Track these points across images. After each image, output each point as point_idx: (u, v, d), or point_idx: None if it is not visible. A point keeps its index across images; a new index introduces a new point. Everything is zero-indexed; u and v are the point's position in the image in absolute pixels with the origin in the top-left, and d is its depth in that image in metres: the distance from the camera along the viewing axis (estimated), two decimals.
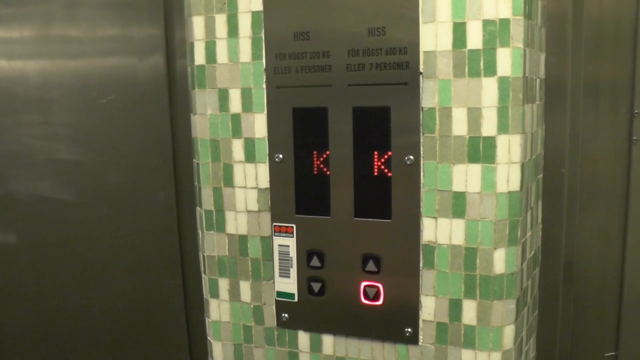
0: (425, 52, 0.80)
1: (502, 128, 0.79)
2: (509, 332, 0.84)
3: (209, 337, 1.01)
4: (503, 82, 0.78)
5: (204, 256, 0.98)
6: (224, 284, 0.97)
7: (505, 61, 0.78)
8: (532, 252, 0.95)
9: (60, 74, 1.12)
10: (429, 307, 0.86)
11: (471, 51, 0.78)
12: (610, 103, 1.00)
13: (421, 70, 0.80)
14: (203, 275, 0.99)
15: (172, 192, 1.14)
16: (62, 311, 1.20)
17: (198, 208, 0.98)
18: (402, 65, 0.81)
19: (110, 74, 1.11)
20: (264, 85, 0.88)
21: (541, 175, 0.98)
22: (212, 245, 0.96)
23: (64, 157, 1.15)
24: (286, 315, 0.93)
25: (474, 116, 0.79)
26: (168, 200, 1.14)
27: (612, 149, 1.01)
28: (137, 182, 1.14)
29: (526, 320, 0.93)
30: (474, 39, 0.78)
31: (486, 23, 0.77)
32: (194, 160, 0.97)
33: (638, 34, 0.96)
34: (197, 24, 0.91)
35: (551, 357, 1.08)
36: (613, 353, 1.09)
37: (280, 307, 0.94)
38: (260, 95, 0.89)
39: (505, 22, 0.77)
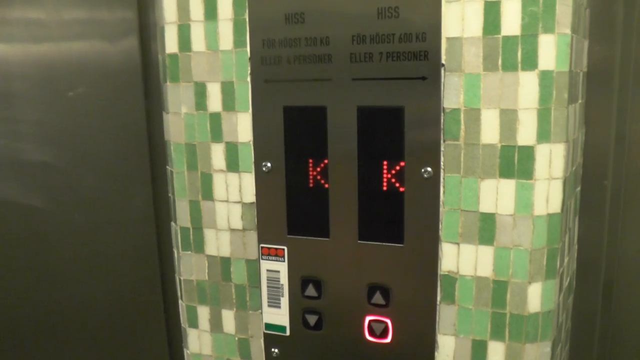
0: (448, 39, 0.68)
1: (543, 135, 0.67)
2: None
3: None
4: (545, 77, 0.65)
5: (180, 280, 0.86)
6: (204, 313, 0.86)
7: (549, 51, 0.65)
8: (568, 280, 0.83)
9: (23, 62, 1.04)
10: (448, 348, 0.76)
11: (506, 38, 0.66)
12: None
13: (443, 61, 0.68)
14: (180, 301, 0.88)
15: (150, 196, 1.04)
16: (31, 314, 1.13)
17: (173, 224, 0.84)
18: (419, 55, 0.68)
19: (79, 63, 1.02)
20: (249, 79, 0.76)
21: (579, 188, 0.85)
22: (189, 268, 0.85)
23: (30, 157, 1.08)
24: (276, 350, 0.83)
25: (509, 120, 0.67)
26: (145, 206, 1.05)
27: None
28: (111, 185, 1.05)
29: (559, 359, 0.81)
30: (511, 23, 0.65)
31: (526, 3, 0.64)
32: (167, 167, 0.83)
33: None
34: (168, 4, 0.78)
35: None
36: None
37: (270, 341, 0.83)
38: (244, 91, 0.77)
39: (550, 2, 0.64)
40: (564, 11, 0.64)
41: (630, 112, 0.87)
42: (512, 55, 0.65)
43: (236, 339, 0.85)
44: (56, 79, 1.02)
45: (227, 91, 0.77)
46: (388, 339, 0.77)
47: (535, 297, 0.71)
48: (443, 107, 0.69)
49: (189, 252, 0.84)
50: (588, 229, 0.89)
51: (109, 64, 1.00)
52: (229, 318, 0.84)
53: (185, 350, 0.90)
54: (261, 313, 0.82)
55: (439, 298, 0.74)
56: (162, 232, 1.04)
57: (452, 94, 0.68)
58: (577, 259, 0.90)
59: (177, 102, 0.80)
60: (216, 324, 0.85)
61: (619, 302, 0.94)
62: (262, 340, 0.83)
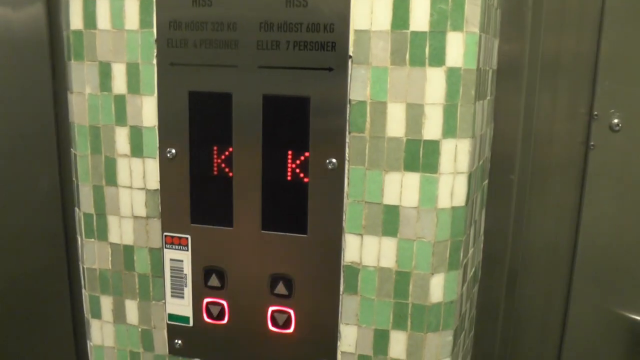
0: (356, 31, 0.66)
1: (449, 131, 0.66)
2: None
3: None
4: (453, 74, 0.65)
5: (83, 268, 0.82)
6: (106, 303, 0.82)
7: (457, 49, 0.64)
8: (473, 270, 0.84)
9: None
10: (350, 338, 0.75)
11: (415, 34, 0.65)
12: (569, 101, 0.88)
13: (351, 53, 0.66)
14: (83, 290, 0.84)
15: (56, 176, 1.00)
16: None
17: (77, 209, 0.80)
18: (326, 46, 0.66)
19: None
20: (155, 61, 0.72)
21: (487, 182, 0.86)
22: (92, 256, 0.81)
23: None
24: (180, 341, 0.80)
25: (415, 115, 0.66)
26: (52, 190, 1.00)
27: (567, 154, 0.90)
28: (15, 165, 1.00)
29: (462, 346, 0.83)
30: (420, 19, 0.64)
31: (436, 0, 0.63)
32: (71, 149, 0.79)
33: (604, 18, 0.84)
34: None
35: None
36: None
37: (173, 332, 0.80)
38: (150, 73, 0.73)
39: (459, 1, 0.63)
40: (473, 10, 0.64)
41: (537, 109, 0.89)
42: (420, 50, 0.65)
43: (139, 330, 0.81)
44: None
45: (132, 73, 0.73)
46: (291, 329, 0.75)
47: (438, 288, 0.71)
48: (349, 99, 0.67)
49: (92, 240, 0.80)
50: (494, 221, 0.91)
51: (13, 33, 0.94)
52: (132, 308, 0.81)
53: (88, 342, 0.85)
54: (164, 303, 0.79)
55: (341, 288, 0.73)
56: (68, 217, 1.00)
57: (359, 87, 0.67)
58: (483, 249, 0.91)
59: (81, 81, 0.75)
60: (119, 314, 0.82)
61: (522, 290, 0.97)
62: (165, 332, 0.80)
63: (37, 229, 1.01)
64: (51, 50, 0.94)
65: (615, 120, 0.86)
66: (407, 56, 0.65)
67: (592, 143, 0.87)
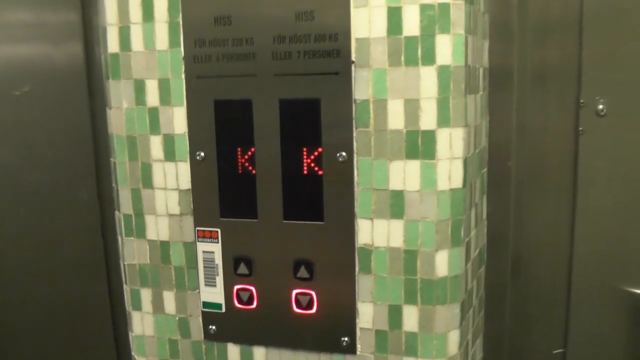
0: (357, 39, 0.75)
1: (443, 121, 0.74)
2: (453, 337, 0.80)
3: (133, 353, 0.94)
4: (443, 71, 0.73)
5: (124, 265, 0.90)
6: (146, 295, 0.90)
7: (446, 49, 0.72)
8: (477, 251, 0.90)
9: None
10: (367, 315, 0.81)
11: (408, 38, 0.73)
12: (557, 93, 0.95)
13: (353, 58, 0.75)
14: (125, 285, 0.92)
15: (94, 191, 1.07)
16: None
17: (117, 212, 0.89)
18: (332, 54, 0.75)
19: (24, 64, 1.04)
20: (183, 76, 0.81)
21: (486, 169, 0.94)
22: (132, 252, 0.89)
23: None
24: (214, 327, 0.87)
25: (412, 108, 0.74)
26: (90, 200, 1.07)
27: (559, 141, 0.96)
28: (56, 180, 1.07)
29: (472, 322, 0.90)
30: (411, 25, 0.73)
31: (424, 8, 0.72)
32: (111, 158, 0.88)
33: (583, 21, 0.91)
34: (110, 7, 0.83)
35: (499, 356, 1.04)
36: (561, 350, 1.05)
37: (207, 318, 0.87)
38: (179, 87, 0.82)
39: (444, 7, 0.72)
40: (458, 15, 0.71)
41: (530, 105, 0.96)
42: (413, 52, 0.73)
43: (177, 318, 0.89)
44: (2, 79, 1.03)
45: (164, 87, 0.82)
46: (313, 310, 0.82)
47: (443, 264, 0.77)
48: (354, 99, 0.75)
49: (131, 238, 0.88)
50: (496, 206, 0.96)
51: (55, 66, 1.02)
52: (169, 299, 0.88)
53: (129, 332, 0.93)
54: (199, 292, 0.86)
55: (357, 269, 0.79)
56: (106, 222, 1.07)
57: (362, 87, 0.75)
58: (487, 233, 0.97)
59: (119, 97, 0.84)
60: (158, 305, 0.89)
61: (527, 271, 1.01)
62: (200, 319, 0.87)
63: (77, 234, 1.08)
64: (88, 77, 1.02)
65: (600, 107, 0.93)
66: (403, 58, 0.73)
67: (581, 129, 0.94)
